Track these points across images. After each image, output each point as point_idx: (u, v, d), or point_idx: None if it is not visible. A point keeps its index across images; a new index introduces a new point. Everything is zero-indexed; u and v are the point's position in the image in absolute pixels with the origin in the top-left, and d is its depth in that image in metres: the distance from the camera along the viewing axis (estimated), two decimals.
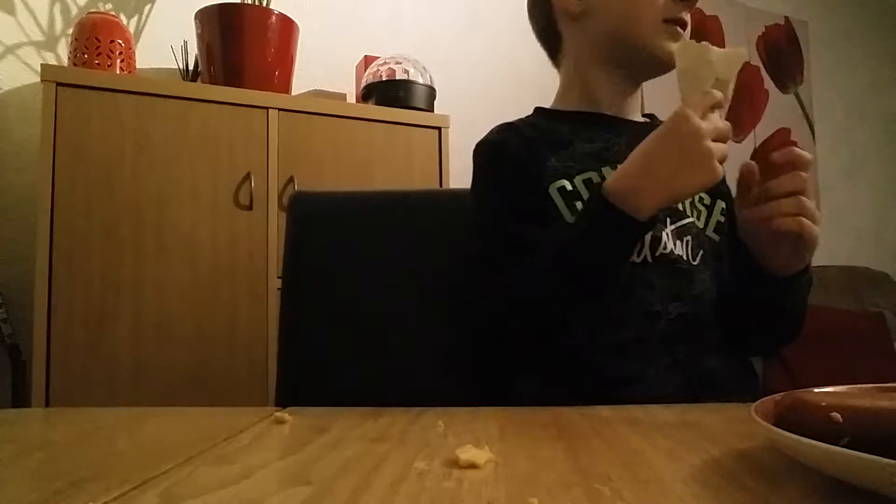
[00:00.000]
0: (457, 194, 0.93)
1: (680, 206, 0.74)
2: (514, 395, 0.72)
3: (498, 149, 0.77)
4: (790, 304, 0.71)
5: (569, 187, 0.71)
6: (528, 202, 0.71)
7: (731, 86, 0.62)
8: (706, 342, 0.69)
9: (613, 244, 0.62)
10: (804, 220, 0.58)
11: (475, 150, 0.78)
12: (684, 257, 0.71)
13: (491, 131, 0.79)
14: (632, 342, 0.67)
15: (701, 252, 0.73)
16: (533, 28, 0.86)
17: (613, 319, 0.67)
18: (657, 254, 0.70)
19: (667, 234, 0.71)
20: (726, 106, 0.62)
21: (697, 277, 0.71)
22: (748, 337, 0.74)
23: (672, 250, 0.70)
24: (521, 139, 0.76)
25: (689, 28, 0.75)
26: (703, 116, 0.58)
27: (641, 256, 0.69)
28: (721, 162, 0.58)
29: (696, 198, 0.77)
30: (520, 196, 0.72)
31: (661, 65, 0.72)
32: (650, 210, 0.59)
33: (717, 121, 0.59)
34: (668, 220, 0.72)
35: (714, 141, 0.58)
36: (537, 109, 0.84)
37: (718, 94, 0.59)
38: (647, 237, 0.69)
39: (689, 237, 0.73)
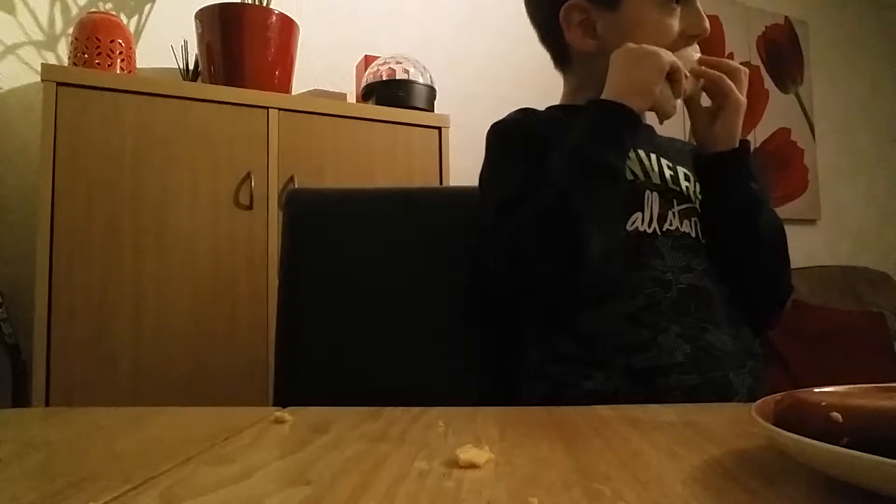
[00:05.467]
0: (455, 191, 0.93)
1: (683, 192, 0.77)
2: (520, 370, 0.73)
3: (513, 125, 0.79)
4: (743, 190, 0.75)
5: None
6: (540, 176, 0.69)
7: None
8: (711, 316, 0.70)
9: (612, 128, 0.68)
10: (727, 80, 0.73)
11: (489, 131, 0.79)
12: (692, 235, 0.75)
13: (508, 114, 0.80)
14: (644, 309, 0.68)
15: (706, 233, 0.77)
16: (539, 38, 0.85)
17: (626, 287, 0.69)
18: (664, 229, 0.73)
19: (673, 213, 0.74)
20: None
21: (703, 254, 0.75)
22: (741, 273, 0.75)
23: (678, 227, 0.74)
24: (538, 120, 0.79)
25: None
26: None
27: (651, 228, 0.72)
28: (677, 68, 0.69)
29: (697, 189, 0.78)
30: (532, 169, 0.71)
31: (661, 116, 0.72)
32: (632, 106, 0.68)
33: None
34: (675, 201, 0.75)
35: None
36: (550, 108, 0.85)
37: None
38: (655, 212, 0.73)
39: (695, 218, 0.76)
